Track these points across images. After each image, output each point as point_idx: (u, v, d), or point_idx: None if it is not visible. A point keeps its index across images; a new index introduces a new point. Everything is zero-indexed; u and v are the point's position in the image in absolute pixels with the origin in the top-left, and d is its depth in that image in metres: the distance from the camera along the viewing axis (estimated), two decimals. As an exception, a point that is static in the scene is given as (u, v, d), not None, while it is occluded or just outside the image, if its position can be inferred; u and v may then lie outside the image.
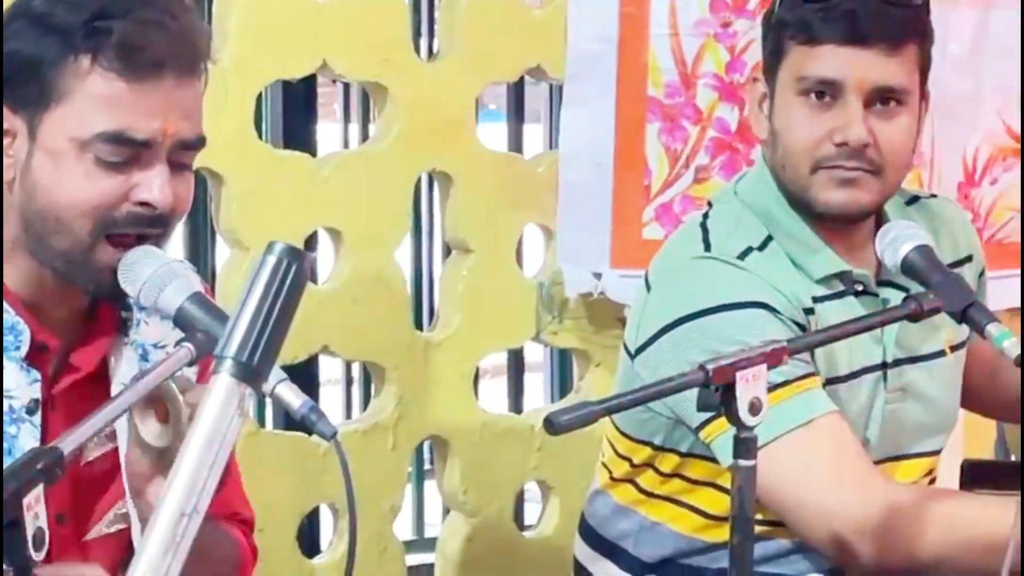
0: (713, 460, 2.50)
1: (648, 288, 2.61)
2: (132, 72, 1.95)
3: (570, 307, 3.29)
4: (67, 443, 1.61)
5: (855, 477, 2.45)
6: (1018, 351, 2.26)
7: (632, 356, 2.58)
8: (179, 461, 1.09)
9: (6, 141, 1.98)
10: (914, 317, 2.41)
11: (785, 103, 2.54)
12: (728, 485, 2.37)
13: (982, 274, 2.78)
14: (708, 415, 2.40)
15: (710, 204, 2.69)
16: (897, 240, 2.46)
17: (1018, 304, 3.50)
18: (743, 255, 2.54)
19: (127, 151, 1.95)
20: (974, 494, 2.72)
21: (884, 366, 2.60)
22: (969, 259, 2.73)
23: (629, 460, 2.65)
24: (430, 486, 3.82)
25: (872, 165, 2.51)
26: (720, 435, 2.38)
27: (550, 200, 3.25)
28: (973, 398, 2.85)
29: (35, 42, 1.97)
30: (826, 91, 2.50)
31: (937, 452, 2.72)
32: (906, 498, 2.46)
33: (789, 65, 2.53)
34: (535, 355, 3.92)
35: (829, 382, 2.53)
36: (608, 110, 3.24)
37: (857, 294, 2.56)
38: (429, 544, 3.45)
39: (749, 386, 2.09)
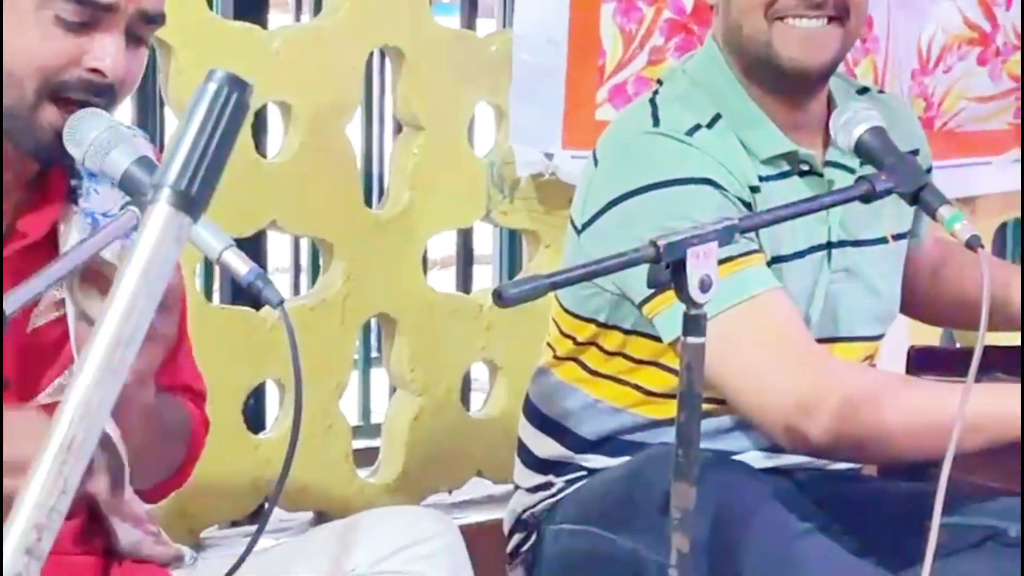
0: (657, 339, 2.50)
1: (596, 163, 2.61)
2: None
3: (521, 187, 3.30)
4: (9, 303, 1.60)
5: (799, 354, 2.46)
6: (969, 233, 2.26)
7: (579, 231, 2.58)
8: (115, 289, 1.08)
9: None
10: (867, 197, 2.41)
11: None
12: (671, 364, 2.38)
13: (929, 170, 2.78)
14: (650, 291, 2.40)
15: (659, 82, 2.69)
16: (851, 121, 2.46)
17: (967, 194, 3.52)
18: (691, 131, 2.54)
19: (88, 13, 1.93)
20: (922, 379, 2.74)
21: (829, 246, 2.62)
22: (916, 152, 2.73)
23: (573, 338, 2.66)
24: (376, 373, 3.82)
25: (837, 10, 2.51)
26: (663, 311, 2.39)
27: (503, 79, 3.24)
28: (915, 303, 2.87)
29: None
30: None
31: (877, 338, 2.73)
32: (858, 379, 2.47)
33: None
34: (484, 247, 3.91)
35: (774, 260, 2.54)
36: (562, -15, 3.23)
37: (802, 174, 2.57)
38: (375, 430, 3.46)
39: (699, 263, 2.09)
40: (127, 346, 1.02)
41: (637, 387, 2.62)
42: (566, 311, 2.65)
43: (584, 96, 3.27)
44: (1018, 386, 2.35)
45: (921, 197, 2.36)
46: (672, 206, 2.44)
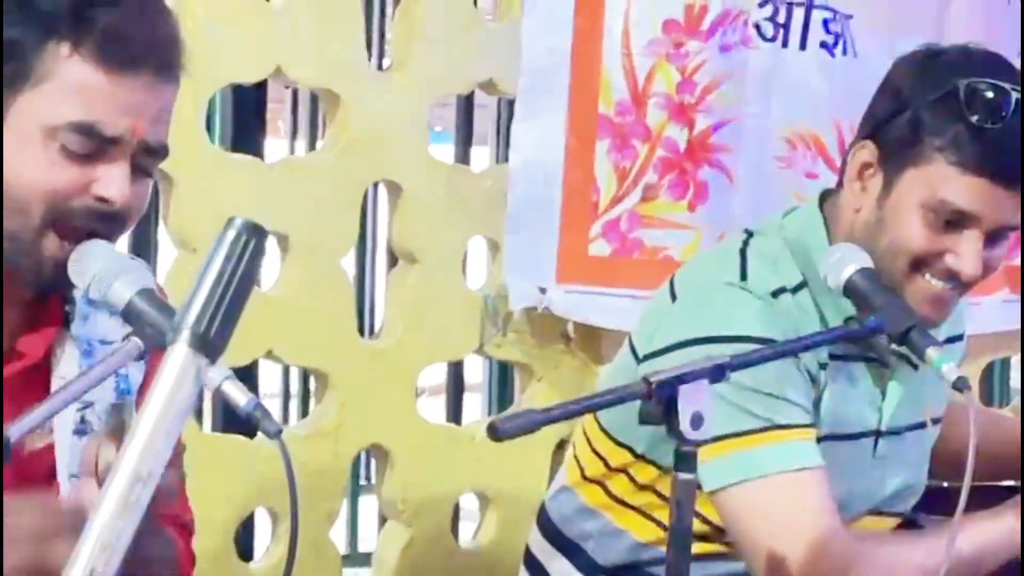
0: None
1: (673, 298, 2.60)
2: (111, 63, 1.95)
3: (514, 321, 3.30)
4: (14, 431, 1.61)
5: (820, 538, 2.45)
6: (955, 375, 2.28)
7: (640, 359, 2.58)
8: (135, 427, 1.10)
9: None
10: (853, 337, 2.44)
11: (907, 204, 2.49)
12: (700, 509, 2.38)
13: (963, 356, 2.81)
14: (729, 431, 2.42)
15: (749, 233, 2.66)
16: (841, 261, 2.48)
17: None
18: (776, 293, 2.54)
19: (93, 144, 1.95)
20: (904, 533, 2.74)
21: (877, 434, 2.63)
22: (960, 338, 2.76)
23: (605, 461, 2.65)
24: (364, 501, 3.81)
25: (963, 289, 2.53)
26: (711, 460, 2.36)
27: (497, 213, 3.26)
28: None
29: (18, 25, 1.97)
30: (956, 219, 2.47)
31: (904, 512, 2.74)
32: (853, 554, 2.47)
33: (928, 176, 2.47)
34: (474, 376, 3.92)
35: (828, 438, 2.54)
36: (559, 125, 3.25)
37: (868, 360, 2.56)
38: (364, 559, 3.45)
39: (691, 399, 2.11)
40: (145, 483, 1.04)
41: (661, 524, 2.60)
42: (604, 432, 2.64)
43: (578, 231, 3.28)
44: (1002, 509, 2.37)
45: (909, 338, 2.37)
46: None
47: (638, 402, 2.45)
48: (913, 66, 2.58)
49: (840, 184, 2.62)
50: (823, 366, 2.50)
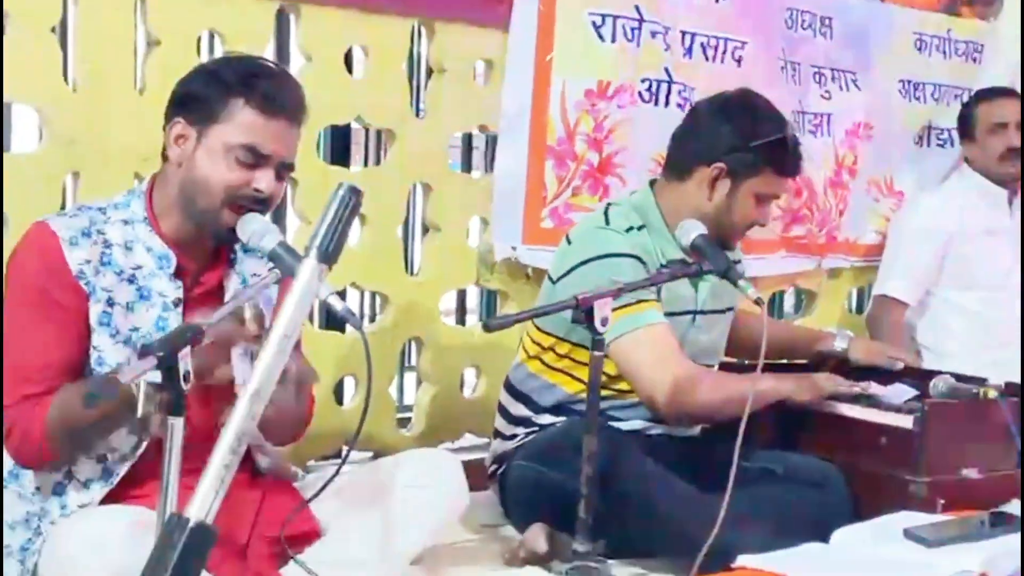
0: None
1: (568, 242, 2.62)
2: (267, 112, 1.95)
3: (498, 266, 3.28)
4: (208, 323, 1.61)
5: (673, 362, 2.47)
6: (757, 295, 2.28)
7: (554, 283, 2.59)
8: (284, 304, 1.09)
9: (181, 143, 1.97)
10: (696, 274, 2.45)
11: (746, 199, 2.56)
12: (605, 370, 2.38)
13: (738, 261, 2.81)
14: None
15: (610, 203, 2.69)
16: (688, 229, 2.49)
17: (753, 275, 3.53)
18: (628, 230, 2.55)
19: (253, 158, 1.95)
20: (725, 374, 2.77)
21: (695, 312, 2.63)
22: (738, 262, 2.76)
23: (539, 344, 2.66)
24: (407, 376, 3.80)
25: None
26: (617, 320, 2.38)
27: (488, 202, 3.23)
28: (729, 344, 2.88)
29: (207, 87, 1.96)
30: (769, 200, 2.58)
31: (712, 366, 2.76)
32: (691, 374, 2.48)
33: (759, 181, 2.55)
34: (472, 303, 3.90)
35: (666, 314, 2.55)
36: (523, 150, 3.22)
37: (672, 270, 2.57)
38: (407, 408, 3.44)
39: (601, 309, 2.12)
40: (290, 337, 1.03)
41: (576, 378, 2.62)
42: (538, 328, 2.65)
43: (535, 214, 3.26)
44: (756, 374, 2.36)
45: (728, 274, 2.39)
46: (611, 270, 2.46)
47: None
48: (748, 117, 2.59)
49: (664, 175, 2.64)
50: (651, 275, 2.50)
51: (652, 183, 2.68)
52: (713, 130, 2.58)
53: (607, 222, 2.58)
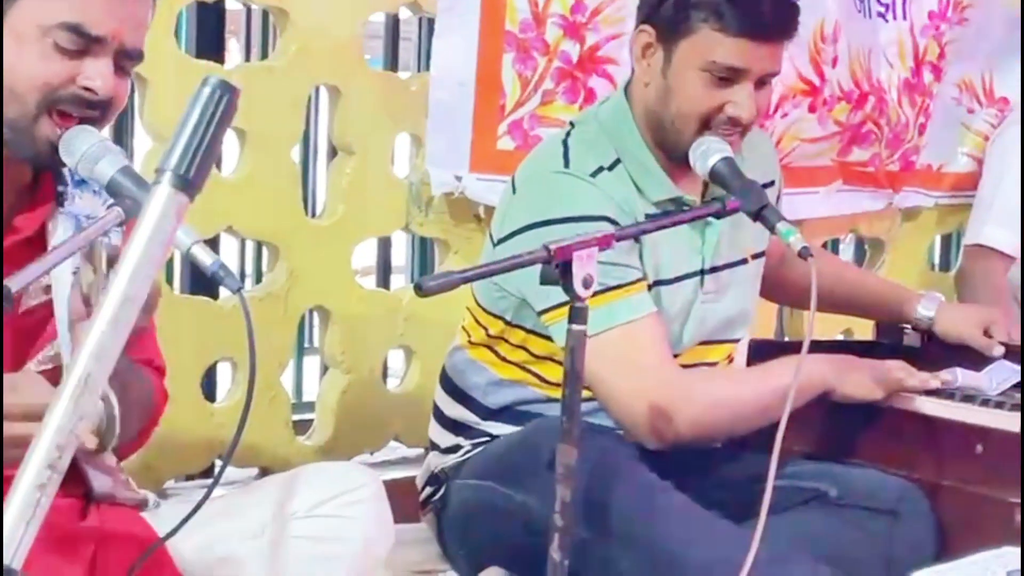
0: (551, 339, 2.52)
1: (514, 190, 2.60)
2: None
3: (435, 204, 3.28)
4: (14, 282, 1.59)
5: (650, 378, 2.48)
6: (801, 244, 2.29)
7: (495, 244, 2.58)
8: (124, 254, 1.07)
9: None
10: (717, 215, 2.44)
11: (686, 72, 2.51)
12: (562, 360, 2.38)
13: (779, 197, 2.82)
14: (551, 303, 2.42)
15: (572, 124, 2.67)
16: (707, 152, 2.49)
17: (798, 217, 3.55)
18: (595, 173, 2.53)
19: (81, 42, 1.92)
20: (740, 370, 2.78)
21: (702, 272, 2.63)
22: (772, 183, 2.76)
23: (486, 330, 2.66)
24: (308, 360, 3.80)
25: (744, 131, 2.54)
26: (558, 321, 2.38)
27: (420, 114, 3.23)
28: (770, 290, 2.91)
29: None
30: (727, 75, 2.49)
31: (737, 340, 2.76)
32: (673, 392, 2.49)
33: (697, 44, 2.49)
34: (399, 259, 3.89)
35: (656, 284, 2.55)
36: (472, 39, 3.21)
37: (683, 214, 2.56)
38: (307, 407, 3.45)
39: (583, 264, 2.10)
40: (133, 302, 1.02)
41: (536, 375, 2.62)
42: (480, 306, 2.66)
43: (488, 129, 3.25)
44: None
45: (762, 215, 2.39)
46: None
47: (499, 281, 2.47)
48: None
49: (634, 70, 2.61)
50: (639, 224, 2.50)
51: (627, 85, 2.67)
52: None
53: (566, 162, 2.55)
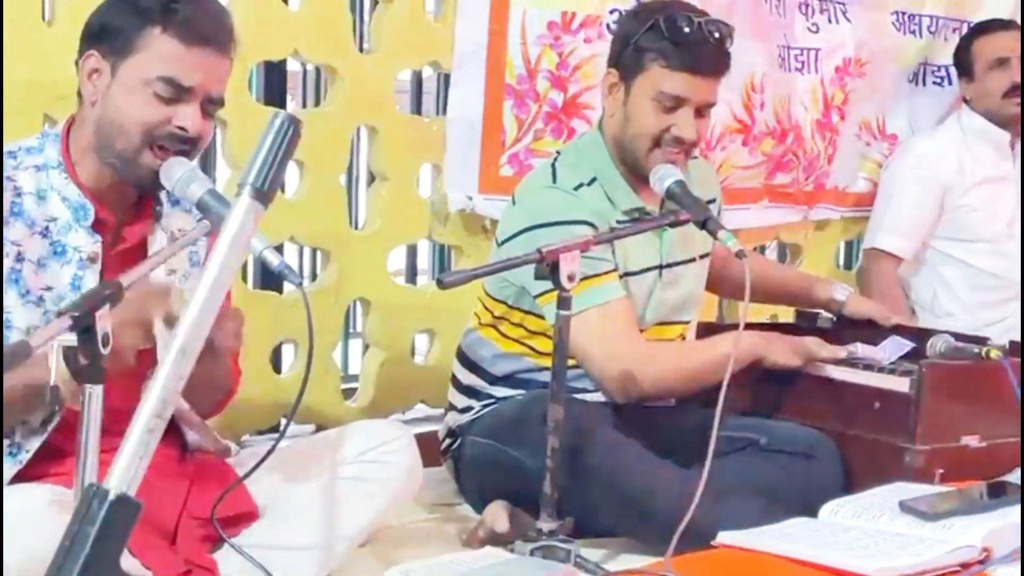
0: (544, 318, 2.52)
1: (514, 202, 2.62)
2: (188, 40, 1.92)
3: (451, 218, 3.27)
4: (126, 279, 1.59)
5: (621, 345, 2.49)
6: (738, 247, 2.29)
7: (499, 244, 2.59)
8: (214, 251, 1.07)
9: (95, 78, 1.95)
10: (672, 225, 2.44)
11: (641, 102, 2.53)
12: (552, 335, 2.39)
13: (719, 211, 2.82)
14: (544, 288, 2.42)
15: (558, 152, 2.69)
16: (664, 176, 2.50)
17: (735, 227, 3.54)
18: (577, 188, 2.55)
19: (175, 91, 1.92)
20: (690, 343, 2.78)
21: (660, 267, 2.64)
22: (714, 200, 2.77)
23: (491, 312, 2.67)
24: (352, 343, 3.79)
25: (687, 151, 2.54)
26: (549, 304, 2.38)
27: (440, 148, 3.22)
28: (713, 285, 2.91)
29: (123, 16, 1.93)
30: (673, 103, 2.50)
31: (688, 322, 2.77)
32: (641, 358, 2.49)
33: (649, 78, 2.51)
34: (423, 263, 3.89)
35: (626, 274, 2.56)
36: (479, 90, 3.21)
37: (646, 222, 2.57)
38: (353, 378, 3.44)
39: (568, 263, 2.12)
40: (221, 289, 1.01)
41: (531, 348, 2.63)
42: (488, 294, 2.66)
43: (492, 160, 3.25)
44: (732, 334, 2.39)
45: (706, 225, 2.39)
46: (559, 238, 2.44)
47: (514, 273, 2.48)
48: (631, 15, 2.63)
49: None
50: (614, 230, 2.50)
51: (600, 120, 2.68)
52: (614, 38, 2.62)
53: (554, 179, 2.57)
